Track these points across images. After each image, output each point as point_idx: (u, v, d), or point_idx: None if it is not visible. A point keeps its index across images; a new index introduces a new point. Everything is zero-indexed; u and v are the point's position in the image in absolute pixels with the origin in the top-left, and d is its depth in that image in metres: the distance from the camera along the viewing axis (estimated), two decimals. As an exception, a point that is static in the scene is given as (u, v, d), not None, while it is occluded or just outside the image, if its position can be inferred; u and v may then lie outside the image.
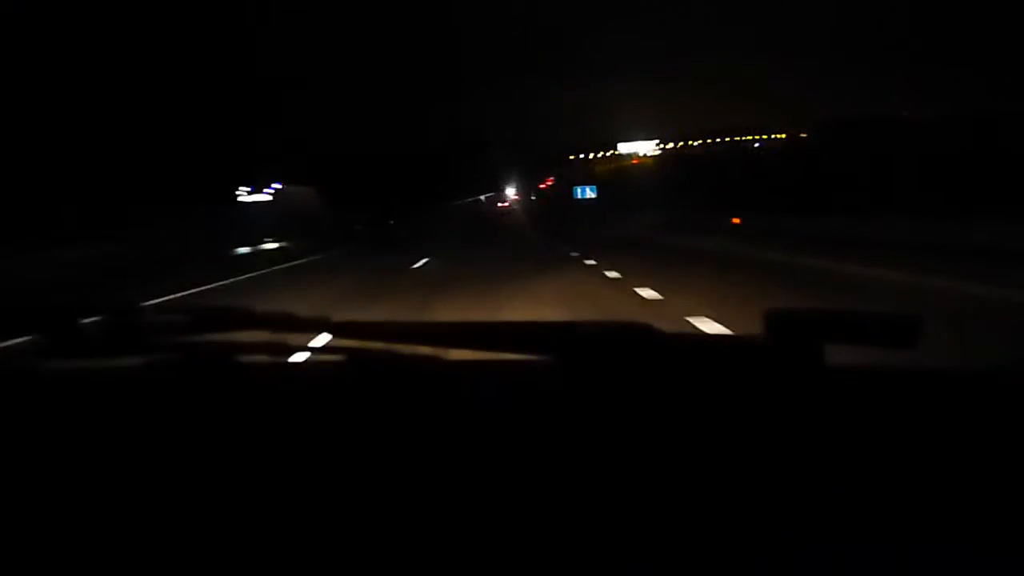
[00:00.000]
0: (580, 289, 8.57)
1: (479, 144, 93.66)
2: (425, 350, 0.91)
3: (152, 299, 9.10)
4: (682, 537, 0.54)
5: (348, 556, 0.55)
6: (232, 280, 13.06)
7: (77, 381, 1.00)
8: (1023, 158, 20.98)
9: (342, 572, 0.54)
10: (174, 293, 10.57)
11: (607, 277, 9.63)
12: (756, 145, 77.60)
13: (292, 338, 0.95)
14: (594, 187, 57.39)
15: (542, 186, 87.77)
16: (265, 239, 28.30)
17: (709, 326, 5.39)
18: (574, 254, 14.40)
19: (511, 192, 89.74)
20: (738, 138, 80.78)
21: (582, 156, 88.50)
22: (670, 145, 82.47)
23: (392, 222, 47.71)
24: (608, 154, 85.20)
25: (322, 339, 0.95)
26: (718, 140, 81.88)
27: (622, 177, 63.14)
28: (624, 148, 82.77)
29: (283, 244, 27.14)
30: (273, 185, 41.39)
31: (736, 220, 19.75)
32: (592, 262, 12.06)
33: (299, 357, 1.00)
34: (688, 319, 5.56)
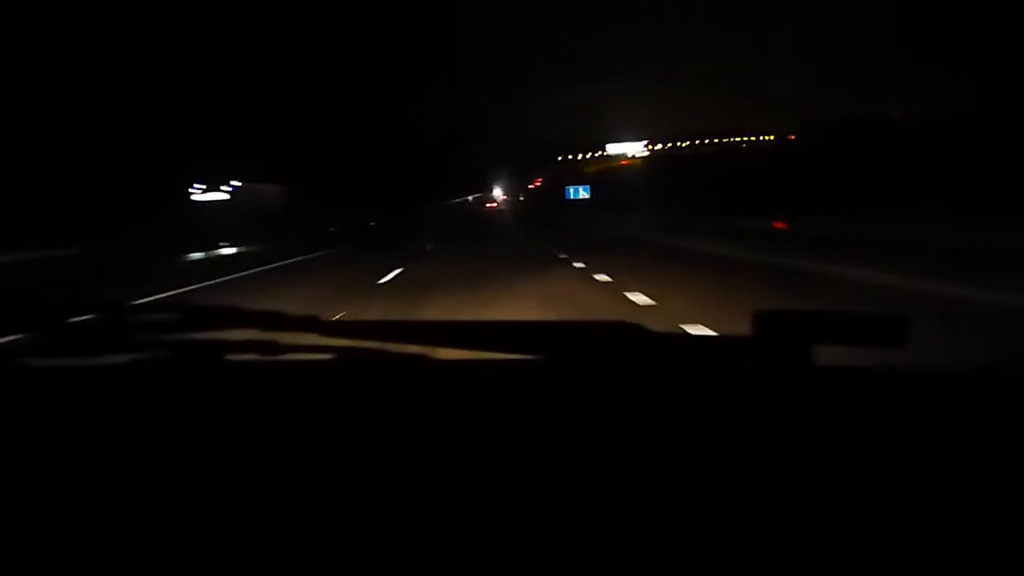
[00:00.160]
0: (571, 297, 8.27)
1: (466, 144, 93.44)
2: (415, 349, 0.91)
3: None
4: (675, 537, 0.55)
5: (338, 554, 0.55)
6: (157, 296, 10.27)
7: (66, 379, 0.99)
8: (1013, 159, 21.00)
9: (332, 570, 0.54)
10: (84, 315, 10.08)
11: (597, 281, 9.35)
12: (743, 146, 77.83)
13: (282, 337, 0.94)
14: (588, 187, 55.49)
15: (530, 186, 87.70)
16: (221, 243, 26.10)
17: (703, 333, 5.15)
18: (562, 256, 14.13)
19: (499, 192, 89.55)
20: (727, 139, 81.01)
21: (570, 157, 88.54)
22: (659, 146, 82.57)
23: (373, 224, 45.12)
24: (597, 155, 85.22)
25: (311, 338, 0.93)
26: (707, 141, 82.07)
27: (611, 178, 62.91)
28: (613, 149, 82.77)
29: (240, 249, 24.49)
30: (232, 183, 37.59)
31: (780, 224, 16.47)
32: (581, 265, 11.78)
33: (289, 356, 0.98)
34: (683, 327, 5.35)
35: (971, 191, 18.69)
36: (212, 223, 30.59)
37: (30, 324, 1.06)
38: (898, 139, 30.20)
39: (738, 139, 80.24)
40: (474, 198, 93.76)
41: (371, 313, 7.19)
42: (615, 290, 8.18)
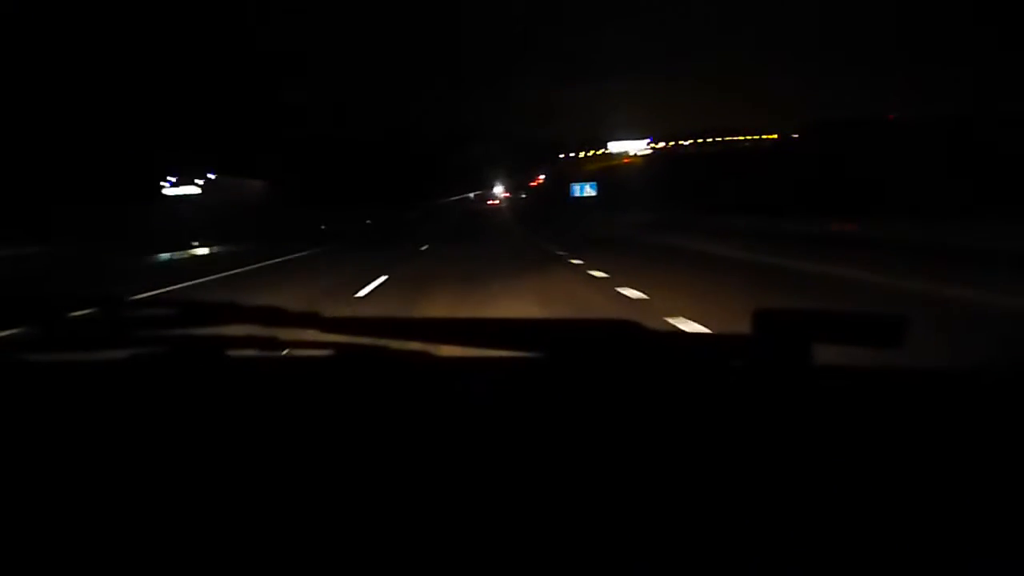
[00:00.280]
0: (570, 297, 8.33)
1: (467, 142, 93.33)
2: (414, 346, 0.90)
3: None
4: (675, 535, 0.55)
5: (337, 551, 0.55)
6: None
7: (65, 374, 0.99)
8: (1013, 159, 20.97)
9: (330, 566, 0.54)
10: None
11: (594, 277, 9.39)
12: (745, 145, 77.68)
13: (282, 332, 0.94)
14: (594, 184, 53.45)
15: (532, 184, 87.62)
16: (193, 243, 23.98)
17: (690, 327, 5.22)
18: (560, 252, 14.17)
19: (500, 190, 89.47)
20: (728, 138, 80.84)
21: (572, 155, 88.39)
22: (660, 144, 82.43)
23: (369, 222, 42.11)
24: (598, 152, 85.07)
25: (311, 334, 0.93)
26: (708, 140, 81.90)
27: (612, 176, 62.76)
28: (614, 147, 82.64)
29: (214, 250, 22.44)
30: (207, 175, 34.48)
31: (850, 226, 14.72)
32: (578, 261, 11.83)
33: (289, 352, 0.99)
34: (669, 320, 5.39)
35: (971, 191, 18.67)
36: (185, 220, 28.07)
37: (27, 318, 1.06)
38: (898, 139, 30.15)
39: (739, 138, 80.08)
40: (475, 195, 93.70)
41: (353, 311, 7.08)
42: (610, 286, 8.23)
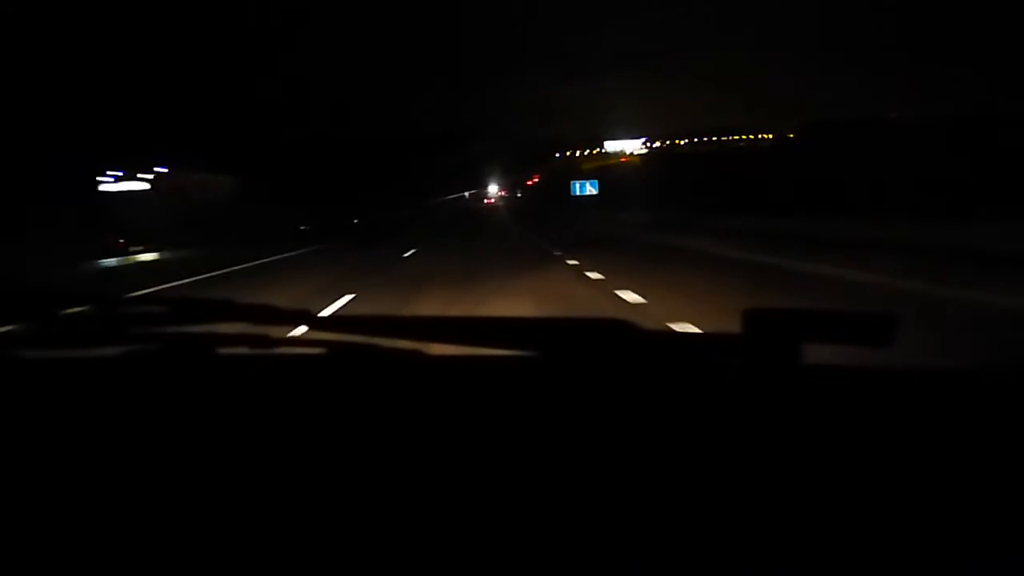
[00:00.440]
0: (571, 301, 8.10)
1: (464, 141, 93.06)
2: (407, 344, 0.90)
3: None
4: (669, 533, 0.55)
5: (326, 547, 0.55)
6: None
7: (58, 370, 0.99)
8: (1013, 159, 20.89)
9: (321, 564, 0.54)
10: None
11: (590, 279, 9.17)
12: (741, 145, 77.65)
13: (273, 330, 0.94)
14: (595, 182, 51.70)
15: (528, 183, 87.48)
16: (133, 248, 21.45)
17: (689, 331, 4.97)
18: (556, 253, 13.94)
19: (496, 189, 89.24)
20: (725, 138, 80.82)
21: (568, 154, 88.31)
22: (657, 144, 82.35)
23: (356, 221, 38.66)
24: (595, 152, 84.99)
25: (303, 332, 0.92)
26: (704, 140, 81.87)
27: (609, 175, 62.54)
28: (611, 146, 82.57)
29: (164, 255, 19.71)
30: (156, 169, 29.84)
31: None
32: (574, 262, 11.60)
33: (280, 350, 0.98)
34: (670, 325, 5.17)
35: (970, 191, 18.60)
36: (130, 221, 24.56)
37: (20, 315, 1.06)
38: (897, 139, 30.09)
39: (736, 138, 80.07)
40: (470, 194, 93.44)
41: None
42: (607, 288, 8.00)
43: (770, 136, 74.79)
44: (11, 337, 0.98)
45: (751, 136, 79.36)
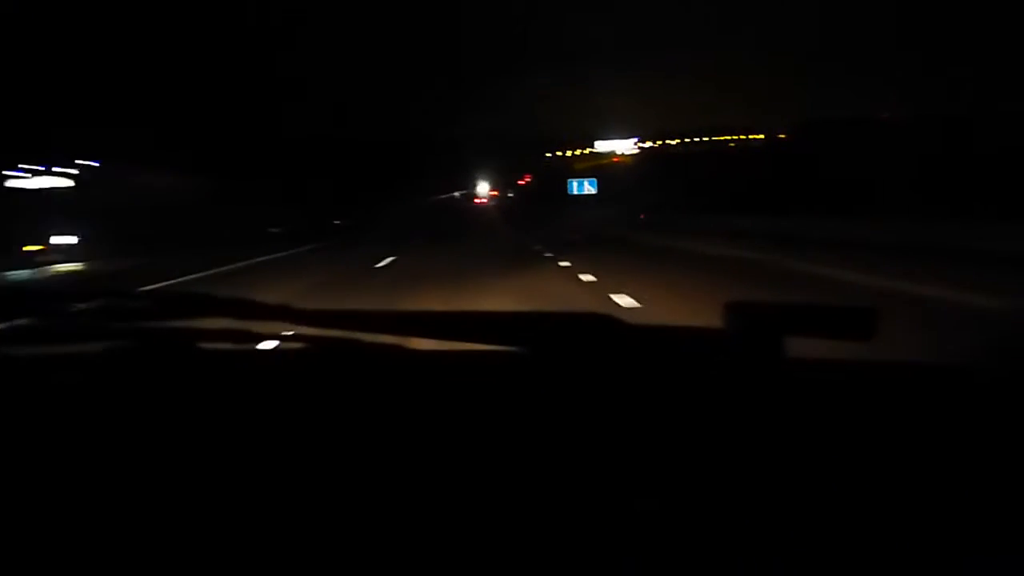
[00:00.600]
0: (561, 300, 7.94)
1: (454, 140, 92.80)
2: (391, 339, 0.90)
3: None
4: (659, 530, 0.55)
5: (307, 544, 0.55)
6: None
7: (37, 367, 0.98)
8: (1004, 160, 20.92)
9: (299, 560, 0.54)
10: None
11: (583, 281, 9.01)
12: (731, 145, 77.76)
13: (255, 325, 0.94)
14: (593, 180, 49.47)
15: (520, 182, 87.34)
16: (40, 260, 17.78)
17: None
18: (548, 254, 13.78)
19: (486, 188, 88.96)
20: (716, 138, 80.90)
21: (559, 153, 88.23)
22: (648, 144, 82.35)
23: (338, 222, 35.84)
24: (586, 152, 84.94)
25: (286, 327, 0.93)
26: (696, 139, 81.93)
27: (602, 175, 62.36)
28: (601, 146, 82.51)
29: (89, 265, 16.69)
30: (85, 163, 24.62)
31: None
32: (567, 263, 11.44)
33: (262, 345, 0.97)
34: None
35: (960, 192, 18.62)
36: (43, 223, 20.15)
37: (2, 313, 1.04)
38: (888, 139, 30.14)
39: (727, 137, 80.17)
40: (461, 194, 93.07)
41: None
42: (600, 291, 7.85)
43: (761, 136, 74.92)
44: None
45: (742, 136, 79.48)
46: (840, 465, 0.63)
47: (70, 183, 24.95)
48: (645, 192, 41.20)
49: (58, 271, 16.54)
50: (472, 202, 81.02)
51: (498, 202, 77.35)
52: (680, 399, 0.77)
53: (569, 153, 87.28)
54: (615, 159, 78.30)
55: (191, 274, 12.40)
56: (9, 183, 22.81)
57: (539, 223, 30.62)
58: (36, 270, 16.43)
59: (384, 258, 14.02)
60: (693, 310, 6.09)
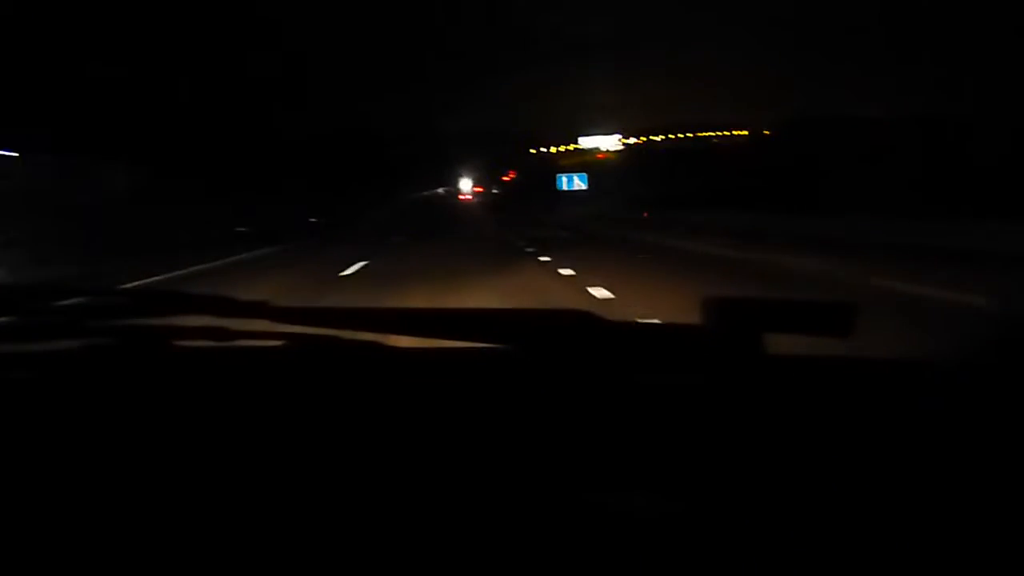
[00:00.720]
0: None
1: (438, 135, 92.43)
2: (370, 336, 0.89)
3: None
4: (645, 527, 0.55)
5: (287, 539, 0.55)
6: None
7: (8, 365, 0.96)
8: (986, 159, 21.06)
9: (282, 555, 0.54)
10: None
11: (562, 276, 8.89)
12: (715, 141, 77.96)
13: (233, 323, 0.93)
14: (584, 175, 48.28)
15: (504, 179, 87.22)
16: None
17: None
18: (534, 252, 13.65)
19: (470, 185, 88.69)
20: (701, 134, 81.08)
21: (543, 149, 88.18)
22: (632, 140, 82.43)
23: (314, 220, 34.11)
24: (571, 148, 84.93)
25: (264, 324, 0.92)
26: (680, 136, 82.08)
27: (588, 171, 62.19)
28: (585, 142, 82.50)
29: None
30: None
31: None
32: (553, 261, 11.31)
33: (239, 342, 0.96)
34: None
35: (941, 190, 18.74)
36: None
37: None
38: (871, 137, 30.26)
39: (711, 134, 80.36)
40: (445, 190, 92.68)
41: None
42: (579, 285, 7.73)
43: (746, 132, 75.16)
44: None
45: (727, 132, 79.71)
46: (821, 461, 0.63)
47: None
48: (633, 189, 41.08)
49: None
50: (457, 198, 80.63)
51: (483, 198, 77.07)
52: (661, 396, 0.76)
53: (553, 149, 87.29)
54: (600, 155, 78.35)
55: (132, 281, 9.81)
56: None
57: (528, 220, 29.09)
58: None
59: (355, 264, 11.10)
60: (660, 301, 5.99)
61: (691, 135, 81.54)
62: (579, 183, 48.51)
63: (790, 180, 28.36)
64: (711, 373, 0.79)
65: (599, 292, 6.97)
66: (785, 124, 49.79)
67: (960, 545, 0.52)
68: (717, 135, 79.50)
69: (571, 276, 8.70)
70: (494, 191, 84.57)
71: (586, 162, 73.87)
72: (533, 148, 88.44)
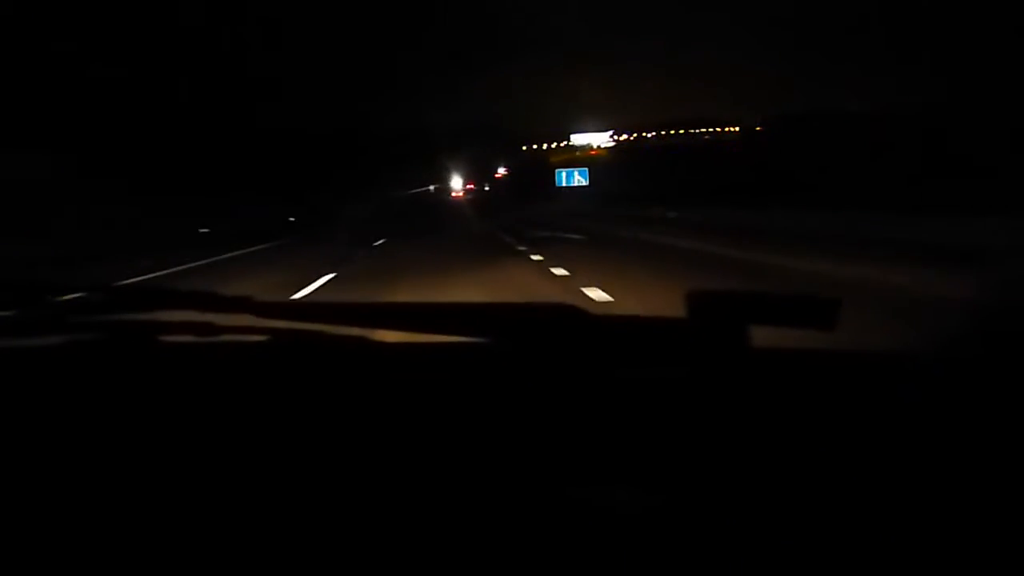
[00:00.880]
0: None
1: (428, 132, 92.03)
2: (355, 331, 0.89)
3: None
4: (631, 524, 0.55)
5: (271, 534, 0.55)
6: None
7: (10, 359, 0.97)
8: (974, 155, 21.04)
9: (267, 551, 0.54)
10: None
11: (556, 275, 8.69)
12: (706, 138, 77.90)
13: (218, 318, 0.93)
14: (584, 170, 45.50)
15: (496, 176, 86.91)
16: None
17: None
18: (526, 251, 13.43)
19: (461, 182, 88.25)
20: (692, 130, 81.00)
21: (535, 147, 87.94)
22: (623, 136, 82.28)
23: (292, 219, 32.25)
24: (563, 145, 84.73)
25: (249, 319, 0.92)
26: (672, 132, 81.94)
27: (579, 168, 61.85)
28: (577, 139, 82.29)
29: None
30: None
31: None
32: (543, 261, 11.11)
33: (224, 337, 0.97)
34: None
35: (931, 184, 18.72)
36: None
37: None
38: (863, 133, 30.21)
39: (703, 130, 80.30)
40: (435, 188, 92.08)
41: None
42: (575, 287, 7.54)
43: (737, 129, 75.12)
44: None
45: (718, 129, 79.65)
46: (803, 453, 0.64)
47: None
48: (626, 186, 40.88)
49: None
50: (448, 196, 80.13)
51: (474, 196, 76.63)
52: (644, 390, 0.76)
53: (546, 146, 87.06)
54: (591, 152, 78.17)
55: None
56: None
57: (524, 220, 27.28)
58: None
59: (315, 278, 9.03)
60: (663, 305, 5.80)
61: (683, 132, 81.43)
62: (579, 179, 46.25)
63: (783, 175, 28.27)
64: (694, 366, 0.78)
65: (595, 294, 6.79)
66: (776, 120, 49.74)
67: (942, 536, 0.53)
68: (710, 131, 79.42)
69: (565, 276, 8.51)
70: (485, 188, 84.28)
71: (578, 159, 73.64)
72: (524, 145, 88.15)
